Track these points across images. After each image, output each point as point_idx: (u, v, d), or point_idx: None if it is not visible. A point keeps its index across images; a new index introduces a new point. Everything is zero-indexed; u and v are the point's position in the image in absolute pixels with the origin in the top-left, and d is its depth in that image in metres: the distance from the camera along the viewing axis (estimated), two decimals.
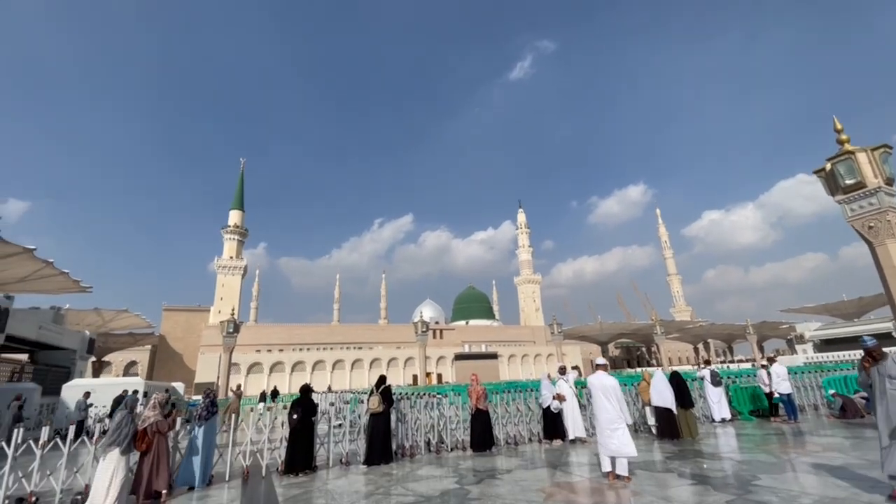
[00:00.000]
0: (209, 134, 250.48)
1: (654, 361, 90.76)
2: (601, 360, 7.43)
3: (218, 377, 32.81)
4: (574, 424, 10.25)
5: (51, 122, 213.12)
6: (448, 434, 10.06)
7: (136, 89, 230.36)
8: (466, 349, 66.91)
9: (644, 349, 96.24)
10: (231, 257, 75.19)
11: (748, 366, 45.04)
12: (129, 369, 63.65)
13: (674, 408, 9.66)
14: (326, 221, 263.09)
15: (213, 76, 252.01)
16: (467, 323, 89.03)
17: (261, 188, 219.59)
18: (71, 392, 17.72)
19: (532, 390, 12.20)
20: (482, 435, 9.42)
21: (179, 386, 28.02)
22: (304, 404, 8.28)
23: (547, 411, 10.41)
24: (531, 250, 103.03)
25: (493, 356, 56.62)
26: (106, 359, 60.20)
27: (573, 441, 10.08)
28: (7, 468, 6.41)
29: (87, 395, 15.86)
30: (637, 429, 11.20)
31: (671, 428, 9.52)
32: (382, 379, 8.97)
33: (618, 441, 6.25)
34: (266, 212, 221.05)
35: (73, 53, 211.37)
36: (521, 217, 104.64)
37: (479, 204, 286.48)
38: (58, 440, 7.16)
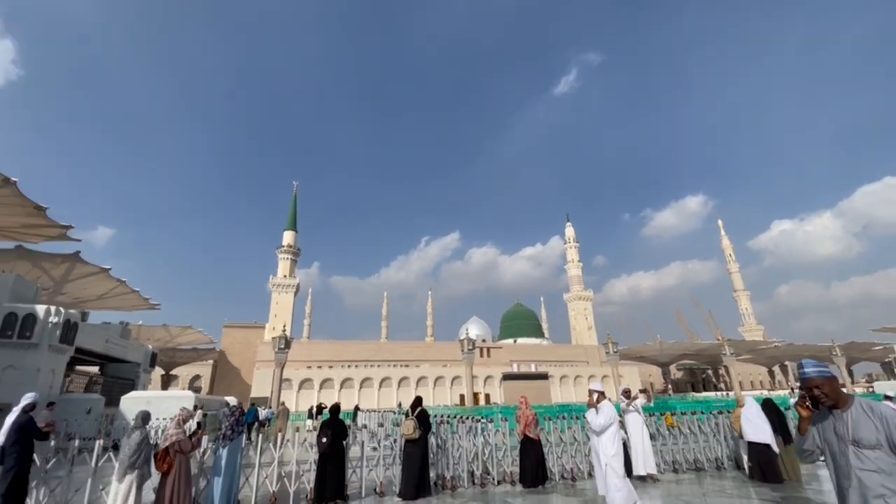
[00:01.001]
0: (266, 161, 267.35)
1: (722, 385, 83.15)
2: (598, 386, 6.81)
3: (271, 392, 33.43)
4: (644, 458, 8.78)
5: (130, 157, 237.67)
6: (494, 464, 8.93)
7: (203, 124, 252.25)
8: (515, 369, 64.36)
9: (710, 372, 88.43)
10: (285, 276, 78.20)
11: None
12: (193, 383, 67.15)
13: (773, 444, 7.96)
14: (375, 240, 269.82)
15: (269, 107, 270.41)
16: (515, 341, 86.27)
17: (313, 209, 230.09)
18: (129, 403, 18.32)
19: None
20: (534, 468, 8.19)
21: (233, 400, 28.64)
22: (334, 427, 7.57)
23: None
24: (581, 266, 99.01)
25: (544, 377, 53.90)
26: (173, 372, 63.96)
27: (642, 478, 8.62)
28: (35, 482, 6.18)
29: (147, 415, 16.25)
30: (719, 466, 9.49)
31: (770, 469, 7.81)
32: (418, 401, 8.08)
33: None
34: (318, 232, 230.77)
35: (151, 95, 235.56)
36: (570, 231, 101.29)
37: (525, 220, 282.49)
38: (110, 453, 6.90)
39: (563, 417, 10.36)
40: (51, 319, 17.90)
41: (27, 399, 6.75)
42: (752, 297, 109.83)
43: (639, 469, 8.67)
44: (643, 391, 12.44)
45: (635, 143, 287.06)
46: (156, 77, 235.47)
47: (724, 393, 62.96)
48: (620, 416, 9.75)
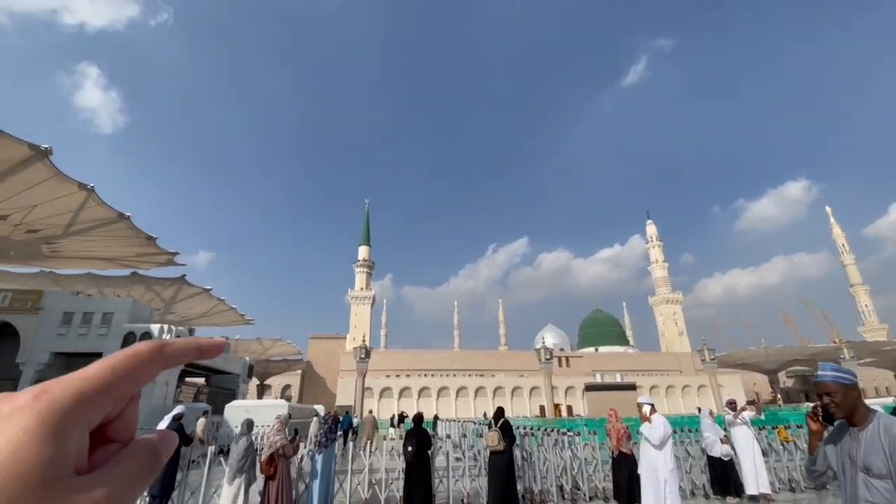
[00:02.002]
0: (340, 182, 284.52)
1: None
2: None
3: (354, 401, 35.06)
4: (757, 476, 7.82)
5: (223, 187, 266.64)
6: (584, 479, 8.46)
7: (282, 153, 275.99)
8: (598, 378, 61.09)
9: None
10: (361, 288, 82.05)
11: None
12: (284, 392, 72.50)
13: None
14: (443, 251, 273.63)
15: (337, 132, 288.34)
16: (596, 350, 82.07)
17: (384, 224, 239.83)
18: (232, 412, 20.14)
19: (689, 429, 9.92)
20: (629, 485, 7.62)
21: (321, 408, 30.41)
22: (418, 436, 7.66)
23: (713, 459, 8.16)
24: (667, 266, 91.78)
25: (632, 387, 50.24)
26: (267, 382, 69.66)
27: (755, 498, 7.68)
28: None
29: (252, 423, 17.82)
30: None
31: None
32: (501, 411, 7.91)
33: None
34: (390, 245, 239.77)
35: (235, 129, 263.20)
36: (651, 229, 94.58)
37: (599, 220, 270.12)
38: (222, 458, 7.65)
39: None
40: (164, 337, 20.34)
41: (177, 410, 7.87)
42: (871, 292, 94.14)
43: (750, 488, 7.75)
44: (752, 402, 11.15)
45: (719, 130, 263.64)
46: (237, 112, 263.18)
47: None
48: (725, 429, 8.81)
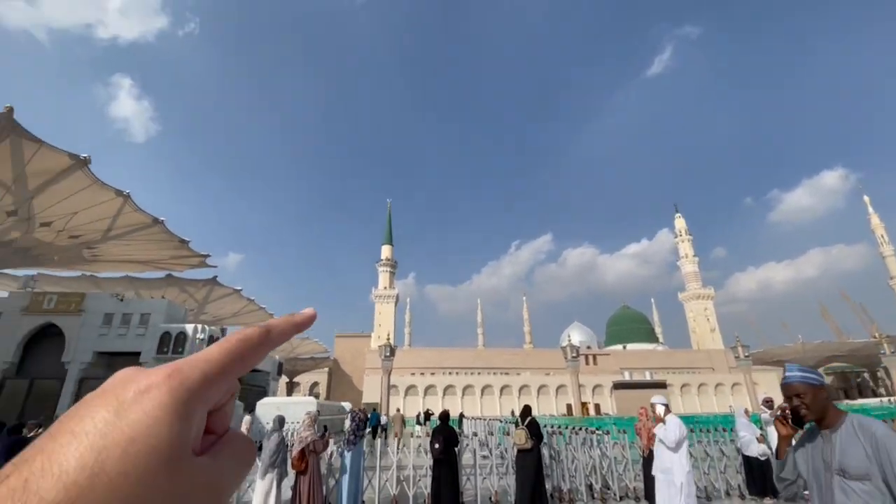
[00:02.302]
0: (362, 183, 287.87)
1: (882, 390, 68.22)
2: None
3: (380, 398, 35.52)
4: None
5: (250, 191, 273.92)
6: (615, 479, 8.30)
7: (307, 156, 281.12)
8: (627, 377, 60.00)
9: (866, 375, 73.13)
10: (385, 287, 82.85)
11: None
12: (312, 389, 74.02)
13: None
14: (465, 248, 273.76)
15: (359, 132, 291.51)
16: (624, 347, 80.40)
17: (406, 223, 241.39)
18: (263, 409, 20.70)
19: (723, 429, 9.60)
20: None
21: (348, 405, 30.91)
22: (445, 433, 7.67)
23: (749, 459, 7.86)
24: (697, 261, 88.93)
25: (662, 385, 49.10)
26: (296, 379, 71.27)
27: (792, 500, 7.35)
28: None
29: (283, 419, 18.29)
30: None
31: None
32: (527, 410, 7.84)
33: None
34: (412, 244, 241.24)
35: (262, 134, 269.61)
36: (680, 223, 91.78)
37: (626, 215, 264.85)
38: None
39: (691, 430, 9.29)
40: (198, 336, 21.04)
41: None
42: None
43: None
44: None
45: (749, 119, 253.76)
46: (262, 116, 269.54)
47: (887, 399, 51.77)
48: (761, 428, 8.48)
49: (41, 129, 17.76)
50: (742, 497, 8.00)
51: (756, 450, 7.86)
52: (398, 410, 23.99)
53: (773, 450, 7.71)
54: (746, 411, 8.64)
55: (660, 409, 6.26)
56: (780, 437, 2.28)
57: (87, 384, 19.29)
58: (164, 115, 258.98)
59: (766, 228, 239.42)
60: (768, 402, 8.64)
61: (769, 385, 59.61)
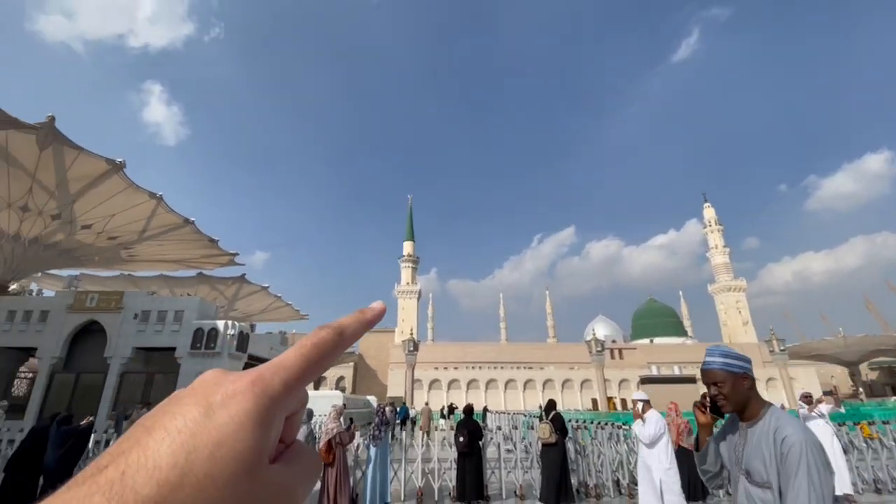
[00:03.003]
0: (384, 179, 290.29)
1: None
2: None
3: (404, 392, 35.99)
4: (838, 475, 7.19)
5: (275, 190, 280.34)
6: None
7: (329, 156, 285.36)
8: (654, 371, 58.73)
9: None
10: (407, 283, 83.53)
11: None
12: (338, 383, 75.51)
13: None
14: (487, 243, 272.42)
15: (379, 131, 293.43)
16: (651, 341, 78.65)
17: (427, 218, 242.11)
18: None
19: None
20: (689, 481, 7.27)
21: (373, 399, 31.42)
22: (469, 426, 7.72)
23: None
24: (728, 251, 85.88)
25: (692, 380, 47.54)
26: (322, 374, 72.87)
27: (836, 499, 7.04)
28: None
29: (311, 412, 18.78)
30: None
31: None
32: (552, 404, 7.80)
33: None
34: (434, 239, 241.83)
35: (287, 136, 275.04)
36: (709, 213, 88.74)
37: (652, 205, 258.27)
38: None
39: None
40: (228, 332, 21.71)
41: None
42: None
43: None
44: (828, 393, 10.25)
45: (783, 103, 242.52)
46: (286, 116, 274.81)
47: None
48: None
49: (80, 135, 18.68)
50: None
51: None
52: (426, 404, 24.21)
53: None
54: (783, 407, 8.35)
55: (639, 406, 6.18)
56: (698, 425, 2.15)
57: (127, 378, 20.27)
58: (193, 119, 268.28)
59: (803, 217, 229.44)
60: (807, 398, 8.31)
61: (807, 380, 57.28)
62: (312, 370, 0.31)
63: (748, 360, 2.00)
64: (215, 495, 0.23)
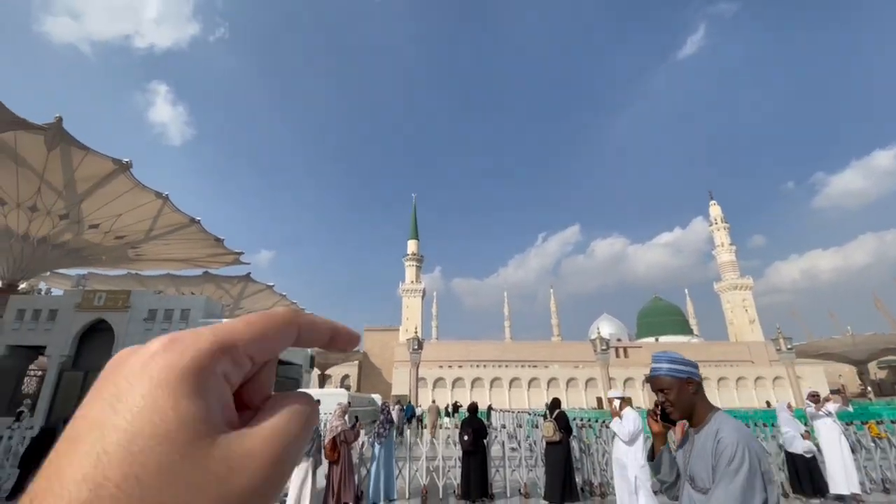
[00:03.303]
0: (387, 178, 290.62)
1: None
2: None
3: (409, 390, 36.08)
4: (846, 475, 7.17)
5: (280, 189, 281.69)
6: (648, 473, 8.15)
7: (334, 154, 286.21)
8: None
9: None
10: (412, 281, 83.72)
11: None
12: (343, 381, 75.83)
13: None
14: (491, 241, 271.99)
15: (382, 130, 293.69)
16: (657, 340, 78.41)
17: (431, 217, 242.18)
18: None
19: (763, 424, 9.26)
20: None
21: (378, 398, 31.54)
22: (474, 425, 7.73)
23: (793, 456, 7.55)
24: (734, 249, 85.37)
25: None
26: (327, 372, 73.16)
27: (841, 498, 7.07)
28: None
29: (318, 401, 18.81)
30: None
31: None
32: (556, 402, 7.79)
33: None
34: (438, 237, 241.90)
35: (289, 134, 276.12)
36: (715, 210, 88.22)
37: (657, 203, 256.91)
38: None
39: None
40: None
41: None
42: None
43: (839, 487, 7.11)
44: (836, 391, 10.19)
45: (790, 99, 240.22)
46: (290, 115, 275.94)
47: None
48: (806, 424, 8.12)
49: (87, 136, 18.85)
50: (786, 496, 7.70)
51: (800, 446, 7.56)
52: (433, 402, 24.27)
53: (819, 447, 7.39)
54: (790, 406, 8.30)
55: (616, 404, 6.22)
56: (652, 434, 2.11)
57: None
58: (198, 119, 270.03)
59: (811, 214, 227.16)
60: (814, 397, 8.26)
61: (814, 379, 56.86)
62: (257, 338, 0.26)
63: (694, 365, 1.97)
64: (151, 494, 0.19)
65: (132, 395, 0.21)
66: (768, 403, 43.59)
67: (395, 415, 14.60)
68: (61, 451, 0.20)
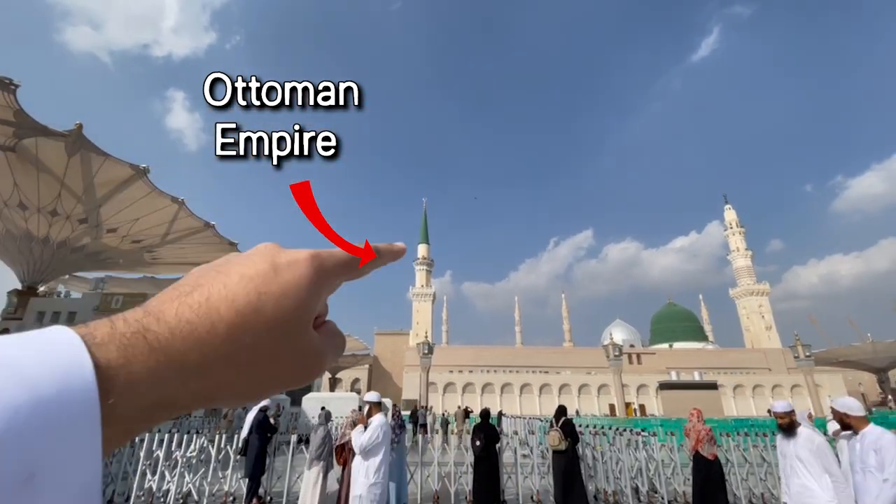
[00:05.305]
0: (398, 182, 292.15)
1: None
2: None
3: (419, 395, 36.01)
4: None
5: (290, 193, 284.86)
6: (662, 482, 8.00)
7: (344, 158, 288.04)
8: (673, 377, 57.53)
9: None
10: (422, 286, 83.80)
11: None
12: (353, 385, 76.03)
13: None
14: (502, 245, 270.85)
15: (394, 134, 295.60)
16: (671, 346, 77.14)
17: (442, 221, 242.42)
18: (309, 403, 21.51)
19: (774, 433, 9.05)
20: (712, 492, 7.08)
21: (388, 402, 31.51)
22: (486, 430, 7.68)
23: None
24: (750, 254, 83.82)
25: (713, 386, 46.52)
26: (338, 375, 73.47)
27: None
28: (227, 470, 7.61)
29: (329, 414, 19.00)
30: None
31: None
32: (562, 410, 7.68)
33: None
34: (448, 242, 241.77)
35: None
36: (730, 215, 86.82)
37: (672, 207, 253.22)
38: (303, 446, 8.22)
39: (744, 433, 8.83)
40: None
41: (264, 402, 8.49)
42: None
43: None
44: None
45: (807, 103, 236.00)
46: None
47: None
48: (825, 434, 7.90)
49: (106, 142, 19.29)
50: None
51: None
52: (458, 407, 24.39)
53: (841, 461, 7.16)
54: (810, 416, 8.10)
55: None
56: None
57: None
58: (212, 124, 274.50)
59: (830, 218, 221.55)
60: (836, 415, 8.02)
61: (834, 386, 55.40)
62: (353, 265, 0.37)
63: None
64: (277, 336, 0.28)
65: (288, 272, 0.31)
66: (769, 411, 42.53)
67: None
68: (229, 275, 0.30)
